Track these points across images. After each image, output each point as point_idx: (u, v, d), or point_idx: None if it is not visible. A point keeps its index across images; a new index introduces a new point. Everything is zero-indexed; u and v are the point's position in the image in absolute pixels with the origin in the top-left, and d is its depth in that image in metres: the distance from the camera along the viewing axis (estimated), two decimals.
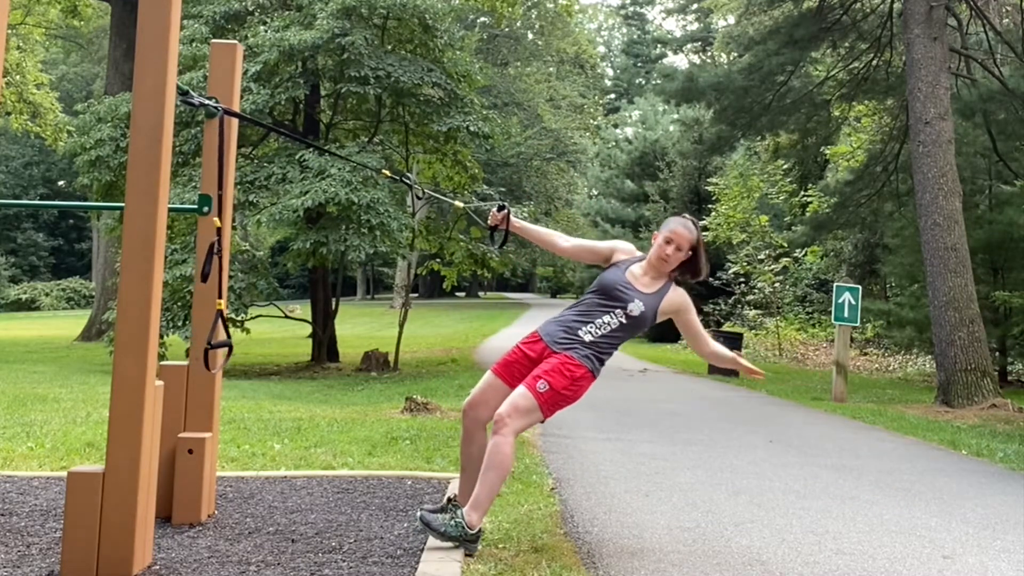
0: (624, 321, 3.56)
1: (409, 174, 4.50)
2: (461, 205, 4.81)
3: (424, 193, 4.80)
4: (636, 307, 3.54)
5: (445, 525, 3.34)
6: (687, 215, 3.79)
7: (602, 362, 3.58)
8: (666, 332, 24.42)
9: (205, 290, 3.61)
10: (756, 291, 21.36)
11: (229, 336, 3.44)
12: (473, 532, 3.35)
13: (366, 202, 11.14)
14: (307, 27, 12.42)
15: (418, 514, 3.44)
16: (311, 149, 11.71)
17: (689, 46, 53.16)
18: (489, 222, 3.86)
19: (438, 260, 15.37)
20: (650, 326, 3.68)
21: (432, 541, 3.38)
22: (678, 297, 3.65)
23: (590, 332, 3.54)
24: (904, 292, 15.68)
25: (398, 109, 13.51)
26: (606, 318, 3.56)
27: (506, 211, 3.82)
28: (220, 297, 3.46)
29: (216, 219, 3.49)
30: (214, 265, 3.40)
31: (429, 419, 7.40)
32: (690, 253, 3.63)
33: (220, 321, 3.45)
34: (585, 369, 3.49)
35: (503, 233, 3.83)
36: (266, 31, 12.54)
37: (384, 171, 4.93)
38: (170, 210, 3.44)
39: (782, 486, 5.09)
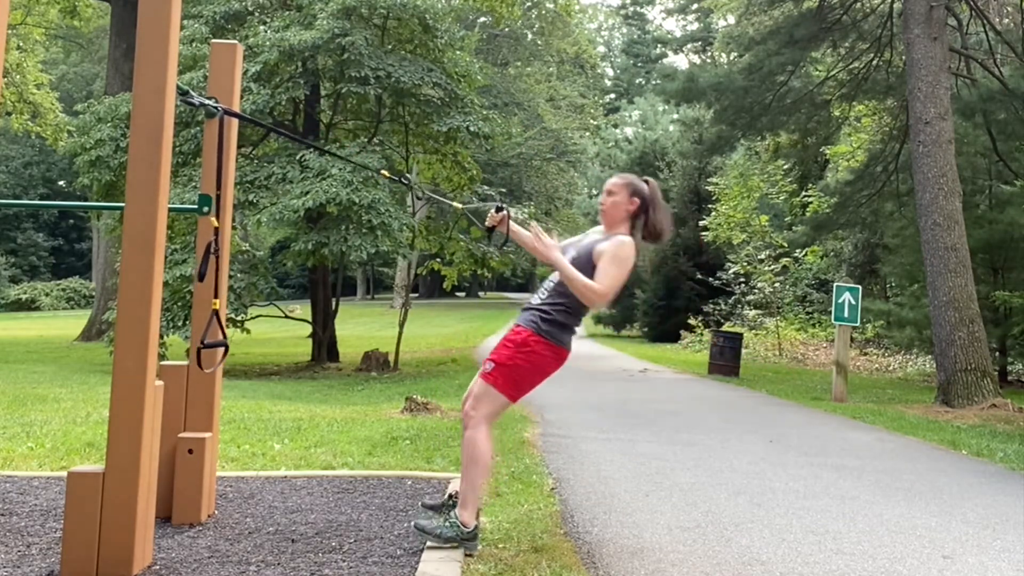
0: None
1: (408, 175, 4.43)
2: (459, 207, 4.78)
3: (423, 193, 4.78)
4: (568, 255, 3.52)
5: (440, 528, 3.36)
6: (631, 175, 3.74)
7: (552, 323, 3.47)
8: (666, 332, 24.49)
9: (205, 290, 3.61)
10: (756, 291, 21.36)
11: (225, 336, 3.44)
12: (469, 530, 3.36)
13: (367, 202, 11.15)
14: (307, 27, 12.43)
15: (413, 523, 3.47)
16: (311, 149, 11.72)
17: (689, 46, 53.18)
18: (487, 223, 3.81)
19: (438, 260, 15.37)
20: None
21: (432, 541, 3.39)
22: (607, 241, 3.51)
23: (538, 296, 3.61)
24: (904, 292, 15.69)
25: (398, 109, 13.52)
26: (550, 279, 3.63)
27: (504, 213, 3.75)
28: (217, 296, 3.46)
29: (213, 219, 3.49)
30: (211, 265, 3.41)
31: (429, 419, 7.40)
32: (636, 201, 3.57)
33: (216, 321, 3.45)
34: (528, 332, 3.45)
35: (502, 235, 3.79)
36: (266, 31, 12.54)
37: (383, 172, 4.91)
38: (170, 210, 3.44)
39: (782, 486, 5.08)
